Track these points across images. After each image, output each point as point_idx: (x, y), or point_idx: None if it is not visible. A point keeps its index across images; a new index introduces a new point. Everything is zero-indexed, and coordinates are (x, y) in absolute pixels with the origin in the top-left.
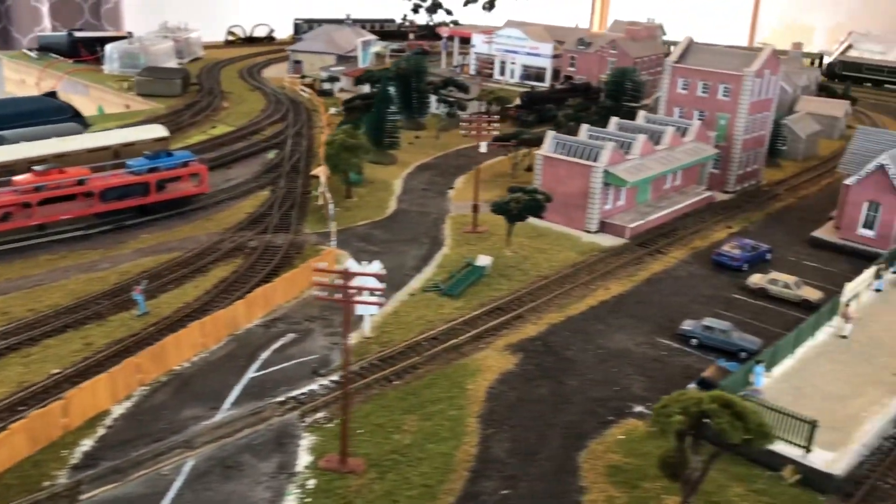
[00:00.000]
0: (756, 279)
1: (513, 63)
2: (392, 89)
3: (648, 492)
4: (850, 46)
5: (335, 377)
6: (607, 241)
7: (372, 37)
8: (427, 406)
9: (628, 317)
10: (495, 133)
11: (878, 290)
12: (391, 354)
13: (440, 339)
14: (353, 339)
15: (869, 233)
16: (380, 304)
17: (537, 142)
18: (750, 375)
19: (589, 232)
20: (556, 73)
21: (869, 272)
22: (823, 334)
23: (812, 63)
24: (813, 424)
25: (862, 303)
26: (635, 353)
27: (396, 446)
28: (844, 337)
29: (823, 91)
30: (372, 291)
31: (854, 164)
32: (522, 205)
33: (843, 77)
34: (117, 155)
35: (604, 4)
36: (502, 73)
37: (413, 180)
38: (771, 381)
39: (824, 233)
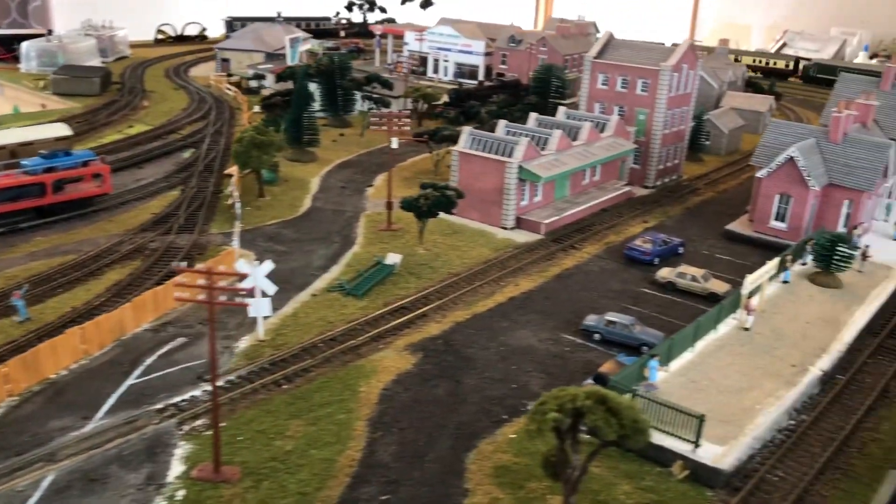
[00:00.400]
0: (664, 273)
1: (446, 61)
2: (313, 86)
3: (534, 492)
4: (784, 45)
5: (220, 382)
6: (523, 237)
7: (301, 34)
8: (315, 410)
9: (535, 313)
10: (406, 129)
11: (785, 282)
12: (284, 357)
13: (338, 341)
14: (246, 342)
15: (781, 225)
16: (246, 305)
17: (458, 138)
18: (645, 370)
19: (505, 228)
20: (488, 71)
21: (770, 265)
22: (726, 327)
23: (786, 66)
24: (700, 419)
25: (768, 295)
26: (538, 350)
27: (277, 453)
28: (747, 329)
29: (750, 87)
30: (240, 293)
31: (766, 157)
32: (432, 201)
33: (818, 80)
34: (14, 155)
35: (547, 3)
36: (436, 70)
37: (332, 178)
38: (668, 375)
39: (738, 226)
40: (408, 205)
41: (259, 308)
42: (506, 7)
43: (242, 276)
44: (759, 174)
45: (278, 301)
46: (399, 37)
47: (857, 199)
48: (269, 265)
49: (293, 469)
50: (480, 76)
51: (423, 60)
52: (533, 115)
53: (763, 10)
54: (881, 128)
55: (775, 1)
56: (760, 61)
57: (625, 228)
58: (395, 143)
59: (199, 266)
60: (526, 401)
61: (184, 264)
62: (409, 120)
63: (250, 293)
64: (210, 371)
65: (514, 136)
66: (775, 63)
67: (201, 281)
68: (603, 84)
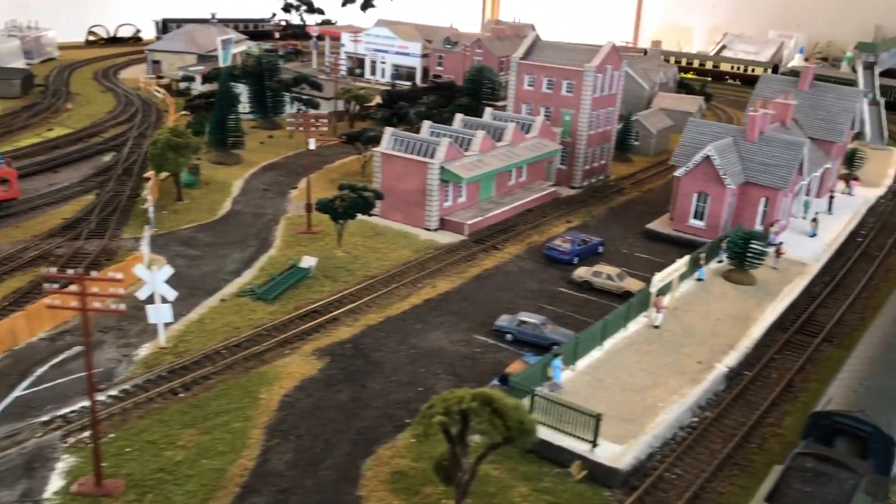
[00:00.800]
0: (581, 272)
1: (383, 62)
2: (239, 87)
3: (429, 497)
4: (724, 47)
5: (114, 392)
6: (446, 238)
7: (234, 35)
8: (211, 419)
9: (450, 314)
10: (325, 130)
11: (699, 279)
12: (184, 364)
13: (242, 347)
14: (147, 349)
15: (699, 223)
16: (123, 312)
17: None
18: (548, 369)
19: (429, 230)
20: (425, 73)
21: (679, 263)
22: (637, 325)
23: (765, 71)
24: (597, 418)
25: (682, 292)
26: (448, 352)
27: (166, 464)
28: (657, 327)
29: (683, 88)
30: (115, 298)
31: (685, 156)
32: (349, 203)
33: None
34: None
35: (494, 6)
36: (373, 72)
37: (255, 181)
38: (574, 374)
39: (659, 225)
40: (323, 206)
41: (159, 314)
42: (453, 10)
43: (118, 282)
44: (676, 173)
45: (185, 307)
46: (336, 38)
47: (774, 196)
48: (167, 270)
49: (181, 480)
50: (418, 78)
51: (360, 62)
52: (459, 117)
53: (704, 14)
54: (800, 127)
55: (716, 4)
56: (738, 68)
57: (548, 228)
58: (312, 145)
59: (71, 272)
60: None
61: (53, 270)
62: (325, 121)
63: (125, 299)
64: (87, 383)
65: (437, 137)
66: (753, 70)
67: (76, 287)
68: (529, 85)
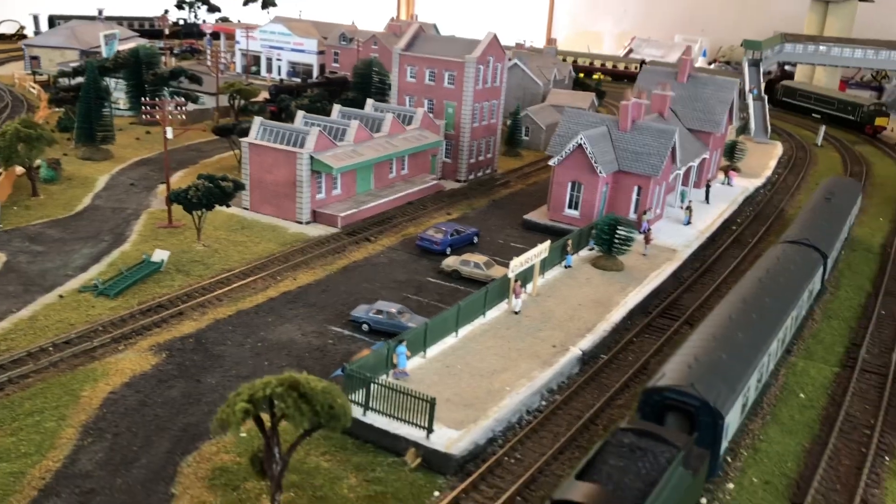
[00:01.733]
0: (450, 262)
1: (279, 59)
2: (115, 81)
3: (249, 492)
4: (631, 51)
5: None
6: (318, 231)
7: (117, 31)
8: (19, 419)
9: (307, 306)
10: (182, 118)
11: (567, 266)
12: (2, 364)
13: (72, 344)
14: None
15: (574, 213)
16: None
17: None
18: (394, 357)
19: (300, 223)
20: (322, 69)
21: (539, 248)
22: (498, 311)
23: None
24: (431, 403)
25: (549, 279)
26: (298, 344)
27: None
28: (516, 313)
29: (578, 85)
30: None
31: (560, 146)
32: (204, 192)
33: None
34: None
35: (409, 6)
36: (269, 69)
37: (123, 176)
38: (424, 362)
39: (536, 215)
40: (176, 196)
41: None
42: (366, 10)
43: None
44: (551, 162)
45: (16, 304)
46: (231, 36)
47: (646, 184)
48: None
49: None
50: (315, 74)
51: (256, 60)
52: (337, 108)
53: (614, 19)
54: (679, 118)
55: (626, 10)
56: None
57: (427, 221)
58: (170, 134)
59: None
60: None
61: None
62: (183, 109)
63: None
64: None
65: (309, 127)
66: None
67: None
68: (412, 77)
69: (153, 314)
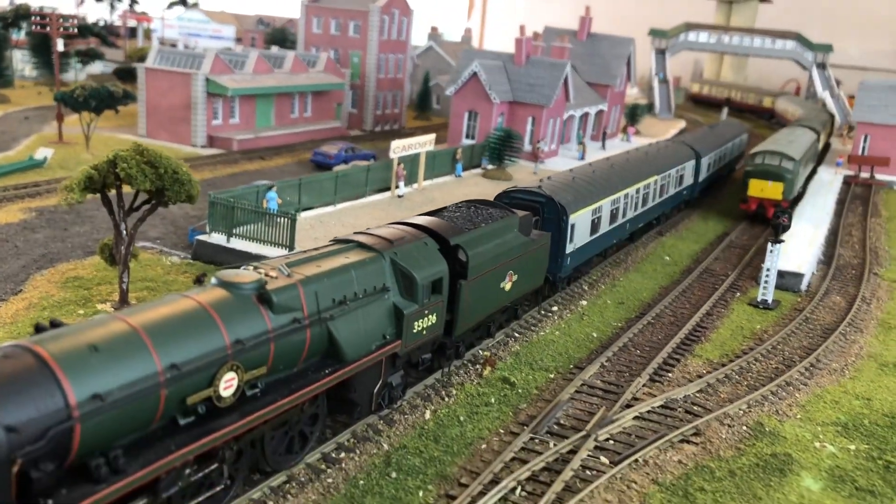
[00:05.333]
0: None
1: (196, 45)
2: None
3: (100, 291)
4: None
5: None
6: (212, 152)
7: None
8: None
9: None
10: (74, 32)
11: (458, 176)
12: None
13: None
14: None
15: (471, 142)
16: None
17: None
18: (264, 201)
19: (195, 146)
20: None
21: (424, 138)
22: (380, 196)
23: None
24: (292, 220)
25: (439, 182)
26: (175, 215)
27: None
28: (400, 196)
29: None
30: None
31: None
32: (90, 92)
33: None
34: None
35: None
36: None
37: (18, 114)
38: (298, 217)
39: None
40: (62, 96)
41: None
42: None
43: None
44: (447, 91)
45: None
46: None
47: (539, 114)
48: None
49: None
50: None
51: (173, 47)
52: (239, 46)
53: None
54: (578, 73)
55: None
56: None
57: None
58: (60, 46)
59: None
60: None
61: None
62: (74, 22)
63: None
64: None
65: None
66: None
67: None
68: (318, 28)
69: (30, 188)
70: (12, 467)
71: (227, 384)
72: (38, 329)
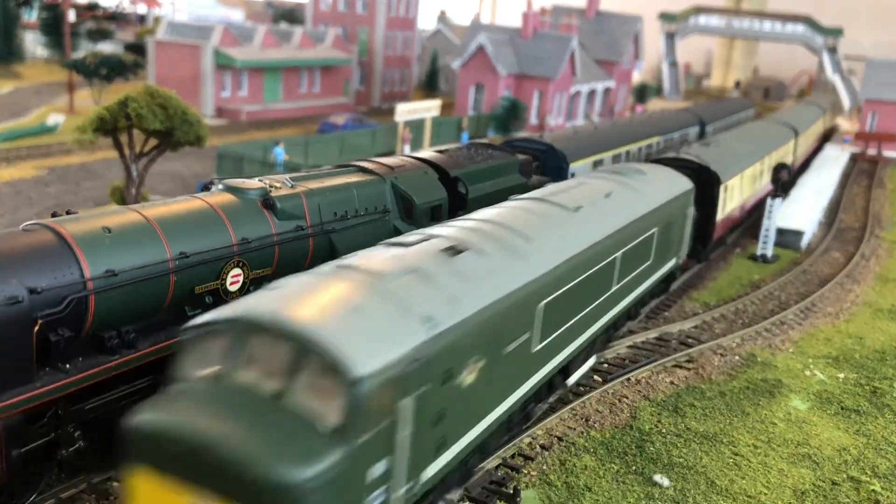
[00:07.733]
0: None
1: None
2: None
3: None
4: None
5: None
6: (221, 122)
7: None
8: None
9: (193, 154)
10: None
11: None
12: None
13: None
14: None
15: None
16: None
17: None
18: (271, 156)
19: (204, 117)
20: None
21: (430, 103)
22: None
23: None
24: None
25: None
26: (184, 175)
27: None
28: None
29: None
30: None
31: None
32: (100, 60)
33: None
34: None
35: None
36: None
37: (28, 90)
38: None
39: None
40: (73, 63)
41: None
42: None
43: None
44: (453, 65)
45: None
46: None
47: (545, 88)
48: None
49: None
50: None
51: None
52: (248, 22)
53: None
54: (585, 49)
55: None
56: None
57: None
58: (72, 16)
59: None
60: None
61: None
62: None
63: None
64: None
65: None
66: None
67: None
68: (326, 6)
69: (42, 149)
70: (34, 327)
71: (234, 279)
72: (55, 216)
